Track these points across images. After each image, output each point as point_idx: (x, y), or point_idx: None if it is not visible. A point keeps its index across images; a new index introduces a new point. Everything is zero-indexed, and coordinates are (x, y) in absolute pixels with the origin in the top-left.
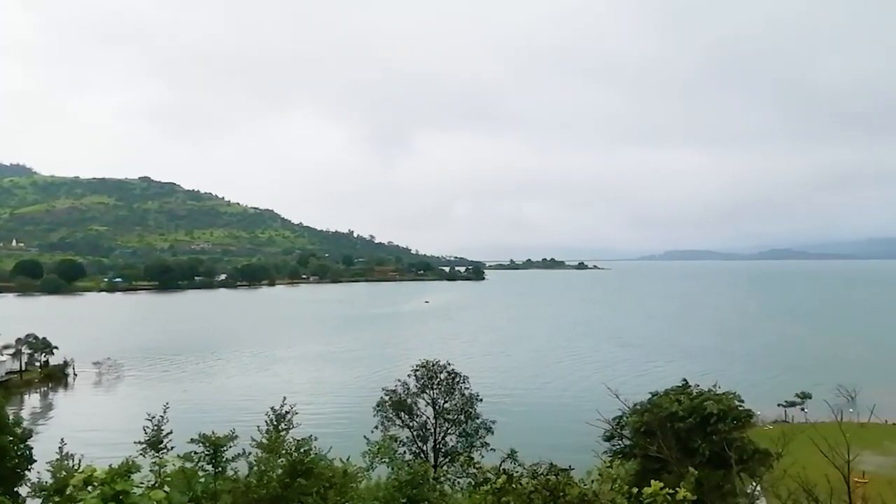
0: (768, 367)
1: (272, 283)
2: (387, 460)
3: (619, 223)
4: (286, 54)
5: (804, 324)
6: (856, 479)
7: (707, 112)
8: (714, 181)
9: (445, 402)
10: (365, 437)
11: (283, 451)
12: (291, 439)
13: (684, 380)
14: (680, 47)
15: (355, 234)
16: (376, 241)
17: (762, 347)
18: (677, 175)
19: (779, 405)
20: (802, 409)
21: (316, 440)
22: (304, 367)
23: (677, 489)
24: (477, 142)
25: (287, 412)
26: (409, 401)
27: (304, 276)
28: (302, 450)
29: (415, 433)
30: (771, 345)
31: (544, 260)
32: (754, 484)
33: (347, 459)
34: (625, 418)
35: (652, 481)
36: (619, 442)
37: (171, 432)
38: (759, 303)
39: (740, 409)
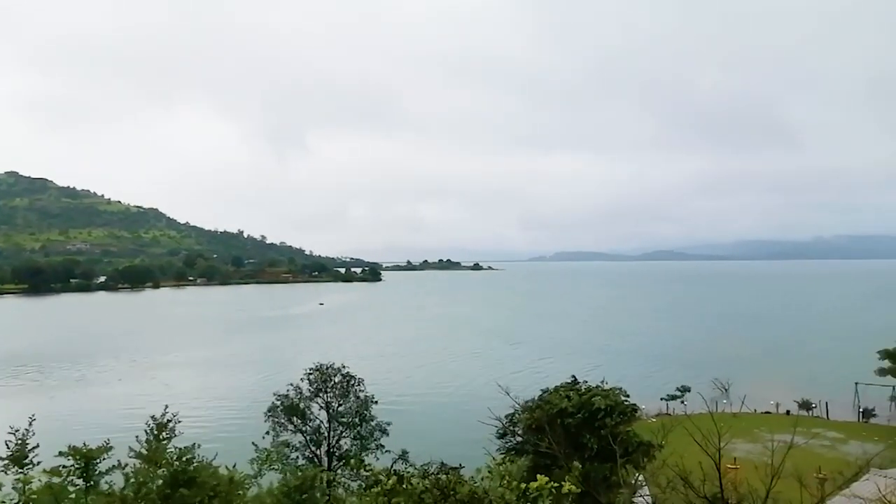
0: (652, 362)
1: (156, 286)
2: (278, 466)
3: (512, 225)
4: (173, 47)
5: (683, 320)
6: (728, 465)
7: (595, 120)
8: (602, 185)
9: (340, 405)
10: (254, 443)
11: (164, 461)
12: (173, 448)
13: (573, 376)
14: (569, 58)
15: (246, 235)
16: (268, 242)
17: (645, 344)
18: (567, 179)
19: (661, 399)
20: (682, 402)
21: (199, 448)
22: (190, 373)
23: (563, 483)
24: (374, 142)
25: (169, 420)
26: (302, 405)
27: (190, 278)
28: (184, 458)
29: (308, 437)
30: (653, 341)
31: (441, 261)
32: (638, 474)
33: (234, 467)
34: (517, 415)
35: (538, 475)
36: (512, 439)
37: (37, 446)
38: (643, 301)
39: (626, 403)
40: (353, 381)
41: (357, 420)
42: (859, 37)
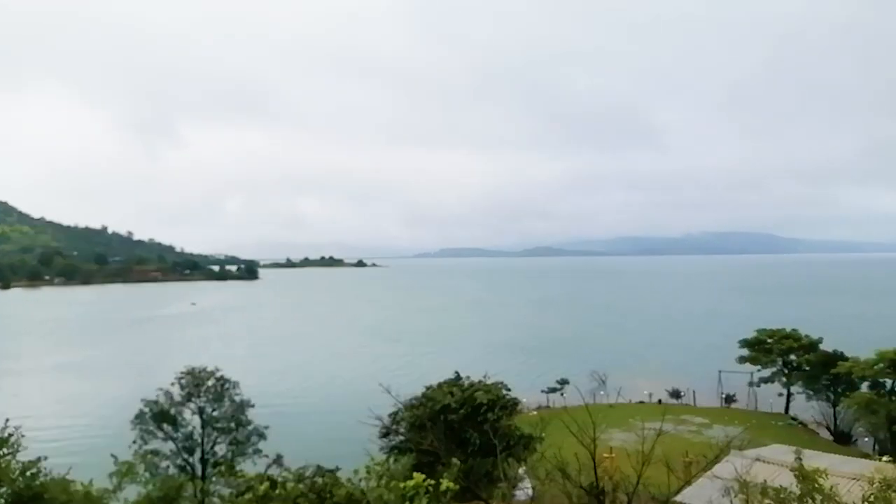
0: (532, 355)
1: (7, 286)
2: (142, 479)
3: (396, 222)
4: (23, 26)
5: (562, 314)
6: (604, 455)
7: (476, 118)
8: (484, 183)
9: (214, 410)
10: (113, 455)
11: (6, 479)
12: (17, 464)
13: (456, 372)
14: (450, 57)
15: (110, 231)
16: (135, 239)
17: (526, 337)
18: (450, 176)
19: (541, 391)
20: (562, 395)
21: (46, 461)
22: (44, 380)
23: (441, 480)
24: (252, 135)
25: (11, 434)
26: (172, 411)
27: (47, 278)
28: (28, 473)
29: (180, 445)
30: (533, 335)
31: (322, 258)
32: (519, 467)
33: (90, 482)
34: (400, 414)
35: (415, 473)
36: (395, 438)
37: None
38: (523, 296)
39: (507, 397)
40: (227, 385)
41: (233, 425)
42: (717, 44)
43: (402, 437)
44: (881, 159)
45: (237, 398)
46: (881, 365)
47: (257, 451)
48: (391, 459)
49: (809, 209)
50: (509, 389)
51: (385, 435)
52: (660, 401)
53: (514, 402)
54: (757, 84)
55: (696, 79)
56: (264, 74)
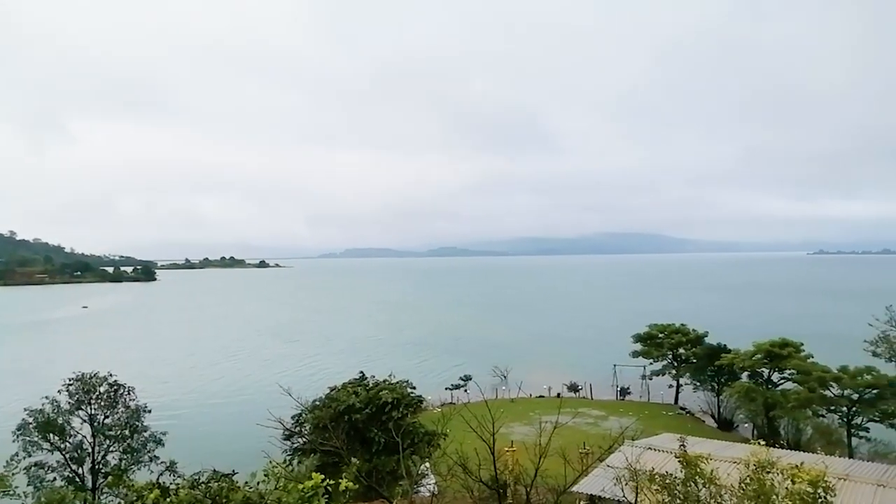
0: (437, 353)
1: None
2: (21, 494)
3: (301, 222)
4: None
5: (466, 313)
6: (505, 449)
7: (381, 120)
8: (390, 184)
9: (106, 417)
10: None
11: None
12: None
13: (361, 372)
14: (355, 59)
15: None
16: (18, 239)
17: (431, 336)
18: (356, 177)
19: (445, 388)
20: (465, 391)
21: None
22: None
23: (340, 480)
24: (149, 133)
25: None
26: (60, 420)
27: None
28: None
29: (68, 455)
30: (439, 332)
31: (223, 258)
32: (423, 464)
33: None
34: (304, 415)
35: (313, 474)
36: (298, 439)
37: None
38: (428, 295)
39: (412, 396)
40: (121, 391)
41: (127, 432)
42: (608, 55)
43: (305, 439)
44: (757, 165)
45: (132, 404)
46: (758, 356)
47: (154, 459)
48: (295, 461)
49: (696, 211)
50: (414, 388)
51: (288, 437)
52: (559, 394)
53: (419, 400)
54: (645, 93)
55: (590, 87)
56: (163, 71)
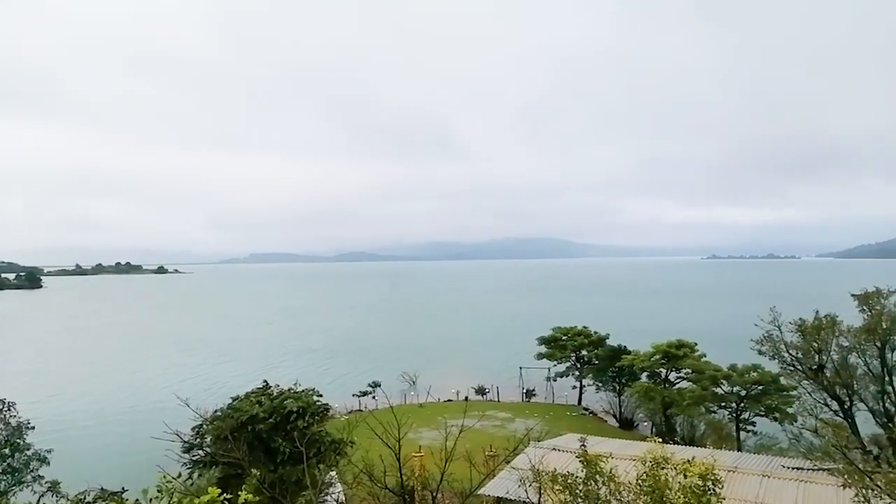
0: (345, 360)
1: None
2: None
3: (201, 226)
4: None
5: (374, 318)
6: (413, 454)
7: (286, 123)
8: (296, 187)
9: None
10: None
11: None
12: None
13: (265, 381)
14: (256, 61)
15: None
16: None
17: (339, 342)
18: (260, 180)
19: (353, 395)
20: (373, 398)
21: None
22: None
23: (239, 493)
24: (33, 130)
25: None
26: None
27: None
28: None
29: None
30: (347, 339)
31: (118, 264)
32: (330, 473)
33: None
34: (205, 426)
35: (209, 488)
36: (199, 452)
37: None
38: (335, 301)
39: (318, 403)
40: (1, 406)
41: (7, 451)
42: (513, 65)
43: (206, 451)
44: (655, 173)
45: (13, 420)
46: (657, 357)
47: (38, 479)
48: (195, 475)
49: (599, 217)
50: (321, 395)
51: (188, 450)
52: (466, 398)
53: (326, 408)
54: (550, 103)
55: (496, 97)
56: (51, 68)
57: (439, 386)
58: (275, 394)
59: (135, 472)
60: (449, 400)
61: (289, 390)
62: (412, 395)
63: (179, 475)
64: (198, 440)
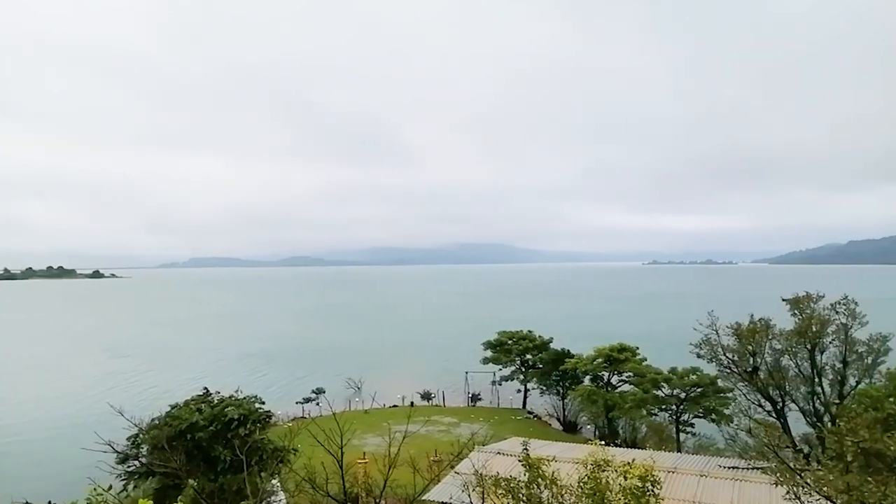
0: (288, 366)
1: None
2: None
3: (140, 229)
4: None
5: (318, 323)
6: (357, 461)
7: (229, 125)
8: (239, 191)
9: None
10: None
11: None
12: None
13: (205, 388)
14: (199, 60)
15: None
16: None
17: (283, 348)
18: (202, 183)
19: (297, 402)
20: (317, 404)
21: None
22: None
23: (176, 503)
24: None
25: None
26: None
27: None
28: None
29: None
30: (290, 345)
31: (50, 268)
32: (273, 480)
33: None
34: (141, 436)
35: (140, 500)
36: (135, 462)
37: None
38: (278, 306)
39: (260, 410)
40: None
41: None
42: (461, 73)
43: (142, 461)
44: (598, 181)
45: None
46: (599, 360)
47: None
48: (130, 486)
49: (544, 223)
50: (263, 403)
51: (123, 461)
52: (412, 403)
53: (268, 415)
54: (497, 112)
55: (445, 104)
56: None
57: (385, 392)
58: (215, 401)
59: (63, 485)
60: (394, 406)
61: (230, 397)
62: (357, 401)
63: (110, 487)
64: (133, 450)
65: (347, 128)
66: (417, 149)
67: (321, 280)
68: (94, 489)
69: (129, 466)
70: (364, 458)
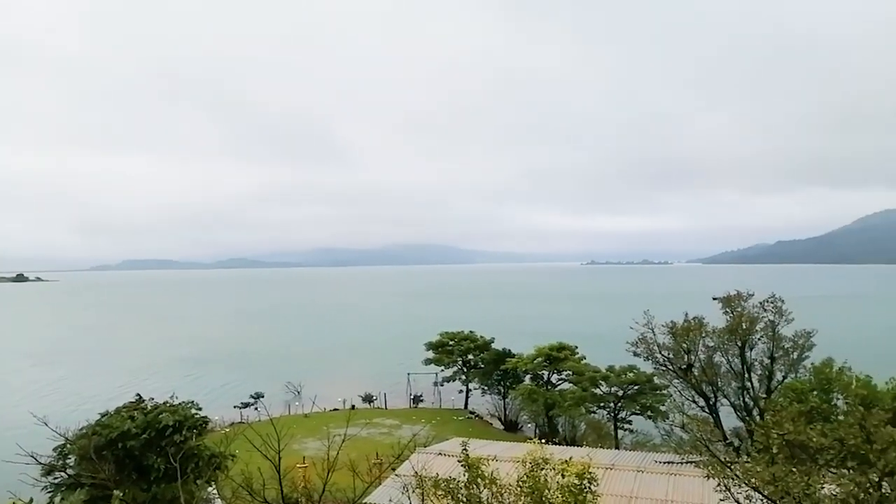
0: (227, 370)
1: None
2: None
3: (67, 230)
4: None
5: (259, 326)
6: (298, 465)
7: (160, 123)
8: (171, 191)
9: None
10: None
11: None
12: None
13: (138, 394)
14: (128, 56)
15: None
16: None
17: (220, 352)
18: (133, 183)
19: (235, 407)
20: (256, 409)
21: None
22: None
23: None
24: None
25: None
26: None
27: None
28: None
29: None
30: (228, 348)
31: None
32: (210, 488)
33: None
34: (68, 446)
35: None
36: (62, 473)
37: None
38: (215, 308)
39: (197, 416)
40: None
41: None
42: (398, 74)
43: (69, 473)
44: (538, 182)
45: None
46: (539, 359)
47: None
48: (57, 498)
49: (486, 224)
50: (200, 408)
51: (48, 472)
52: (353, 406)
53: (204, 421)
54: (436, 113)
55: (383, 105)
56: None
57: (326, 395)
58: (149, 408)
59: None
60: (335, 409)
61: (164, 403)
62: (297, 404)
63: (31, 500)
64: (60, 461)
65: (286, 128)
66: (358, 149)
67: (259, 282)
68: (15, 503)
69: (55, 478)
70: (304, 463)
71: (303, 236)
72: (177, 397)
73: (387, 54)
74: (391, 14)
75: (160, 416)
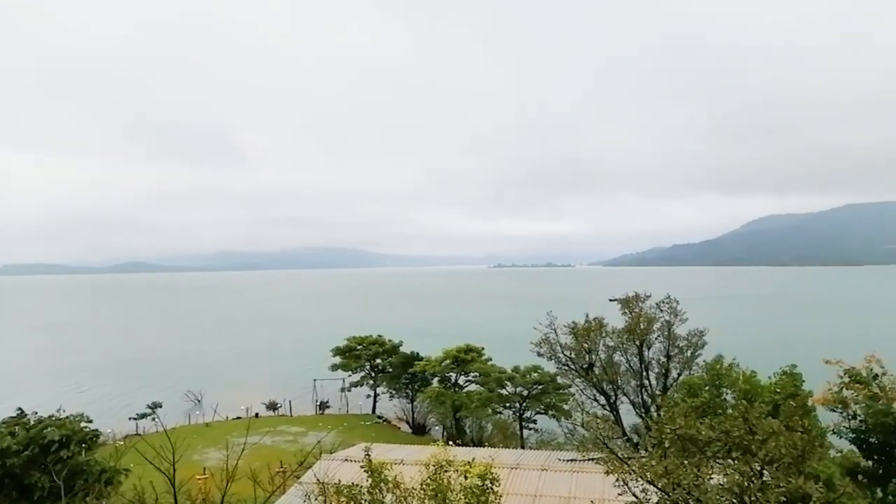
0: (121, 380)
1: None
2: None
3: None
4: None
5: (156, 333)
6: (197, 476)
7: (46, 118)
8: (58, 192)
9: None
10: None
11: None
12: None
13: (20, 409)
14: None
15: None
16: None
17: (113, 361)
18: (13, 181)
19: (130, 418)
20: (153, 420)
21: None
22: None
23: None
24: None
25: None
26: None
27: None
28: None
29: None
30: (122, 357)
31: None
32: None
33: None
34: None
35: None
36: None
37: None
38: (106, 315)
39: (86, 430)
40: None
41: None
42: (299, 75)
43: None
44: (441, 186)
45: None
46: (447, 362)
47: None
48: None
49: (394, 227)
50: (90, 421)
51: None
52: (257, 414)
53: (95, 435)
54: (341, 117)
55: (285, 108)
56: None
57: (228, 403)
58: (32, 422)
59: None
60: (238, 417)
61: (50, 417)
62: (198, 414)
63: None
64: None
65: (185, 126)
66: (259, 152)
67: (157, 287)
68: None
69: None
70: (204, 474)
71: (205, 239)
72: (64, 410)
73: (293, 55)
74: (297, 23)
75: (45, 431)
